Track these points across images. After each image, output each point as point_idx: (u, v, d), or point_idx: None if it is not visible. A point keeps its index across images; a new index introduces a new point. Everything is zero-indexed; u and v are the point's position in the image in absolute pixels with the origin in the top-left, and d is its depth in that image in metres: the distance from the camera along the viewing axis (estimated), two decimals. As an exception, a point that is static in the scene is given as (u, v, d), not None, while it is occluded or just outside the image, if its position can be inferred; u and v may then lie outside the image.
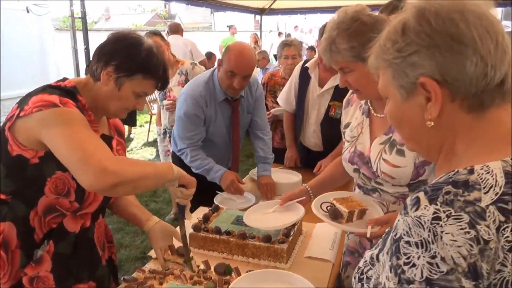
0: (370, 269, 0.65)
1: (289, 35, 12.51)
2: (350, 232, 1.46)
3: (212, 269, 1.29)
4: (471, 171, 0.57)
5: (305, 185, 1.52)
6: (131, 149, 5.90)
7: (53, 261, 1.16)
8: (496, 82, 0.58)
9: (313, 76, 2.41)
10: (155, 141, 5.76)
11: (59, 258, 1.16)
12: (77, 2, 4.10)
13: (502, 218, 0.52)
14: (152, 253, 1.50)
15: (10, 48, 5.42)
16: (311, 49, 9.04)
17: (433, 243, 0.53)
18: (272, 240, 1.41)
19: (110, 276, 1.35)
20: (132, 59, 1.16)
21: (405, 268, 0.55)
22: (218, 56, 5.57)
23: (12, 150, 1.08)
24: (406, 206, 0.59)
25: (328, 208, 1.31)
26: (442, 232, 0.53)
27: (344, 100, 1.51)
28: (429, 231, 0.53)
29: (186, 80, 3.03)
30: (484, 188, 0.54)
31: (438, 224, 0.53)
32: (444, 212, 0.53)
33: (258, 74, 6.31)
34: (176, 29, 4.82)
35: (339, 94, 2.20)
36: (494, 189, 0.54)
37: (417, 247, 0.55)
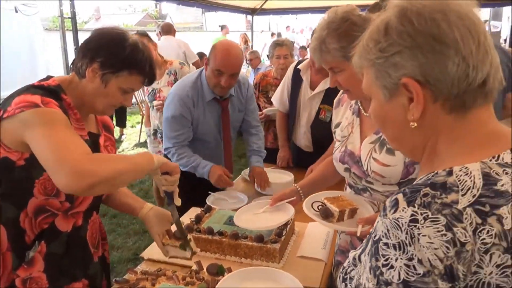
0: (353, 269, 0.66)
1: (279, 34, 12.54)
2: (341, 231, 1.47)
3: (205, 269, 1.29)
4: (450, 173, 0.57)
5: (295, 185, 1.52)
6: (123, 150, 5.87)
7: (46, 261, 1.15)
8: (478, 83, 0.58)
9: (304, 79, 2.42)
10: (146, 141, 5.73)
11: (52, 258, 1.16)
12: (67, 1, 4.06)
13: (479, 220, 0.52)
14: (144, 254, 1.50)
15: (-2, 49, 5.35)
16: (303, 48, 9.09)
17: (410, 245, 0.53)
18: (264, 240, 1.41)
19: (102, 273, 1.34)
20: (117, 55, 1.15)
21: (384, 269, 0.56)
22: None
23: None
24: (385, 208, 0.59)
25: (319, 207, 1.32)
26: (419, 234, 0.53)
27: (335, 100, 1.52)
28: (407, 233, 0.54)
29: (175, 80, 3.02)
30: (461, 190, 0.54)
31: (415, 226, 0.53)
32: (421, 214, 0.54)
33: (250, 74, 6.32)
34: (168, 30, 4.79)
35: (329, 97, 2.21)
36: (471, 191, 0.54)
37: (395, 249, 0.55)
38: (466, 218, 0.52)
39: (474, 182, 0.55)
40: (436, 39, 0.57)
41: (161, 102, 3.05)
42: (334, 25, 1.20)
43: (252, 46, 7.87)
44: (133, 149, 5.98)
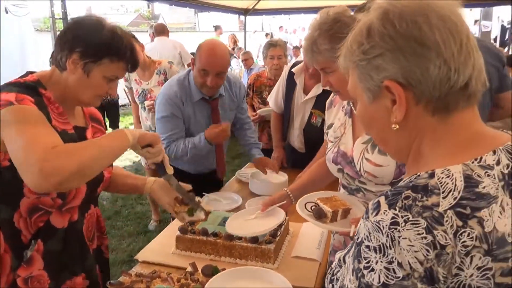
0: (339, 270, 0.66)
1: (271, 35, 12.57)
2: (335, 231, 1.48)
3: (200, 271, 1.29)
4: (432, 175, 0.57)
5: (285, 189, 1.53)
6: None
7: (44, 259, 1.15)
8: (460, 85, 0.58)
9: (298, 83, 2.42)
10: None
11: (50, 255, 1.16)
12: (58, 2, 4.02)
13: (460, 223, 0.52)
14: (138, 257, 1.49)
15: (-12, 50, 5.29)
16: (297, 48, 9.12)
17: (390, 248, 0.54)
18: (259, 241, 1.42)
19: (96, 266, 1.32)
20: (96, 44, 1.12)
21: (365, 272, 0.56)
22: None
23: None
24: (367, 210, 0.59)
25: (312, 208, 1.33)
26: (399, 237, 0.53)
27: (327, 101, 1.53)
28: (387, 236, 0.54)
29: (166, 79, 3.03)
30: (443, 192, 0.54)
31: (396, 229, 0.54)
32: (402, 217, 0.54)
33: (243, 75, 6.32)
34: (161, 30, 4.77)
35: (320, 102, 2.21)
36: (452, 194, 0.54)
37: (376, 252, 0.55)
38: (446, 221, 0.52)
39: (456, 185, 0.55)
40: (417, 41, 0.57)
41: (152, 102, 3.04)
42: (326, 26, 1.21)
43: (245, 46, 7.86)
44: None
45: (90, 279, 1.27)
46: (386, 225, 0.54)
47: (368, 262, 0.56)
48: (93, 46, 1.12)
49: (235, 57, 7.80)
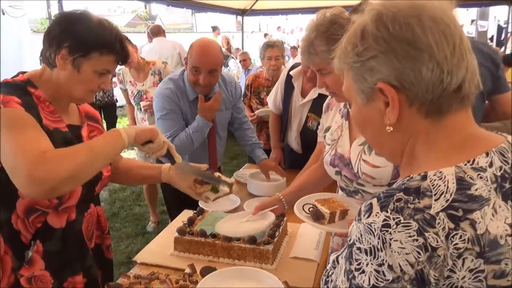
0: (333, 272, 0.66)
1: (266, 35, 12.59)
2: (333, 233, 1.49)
3: (198, 272, 1.29)
4: (424, 177, 0.57)
5: (278, 194, 1.53)
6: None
7: (45, 260, 1.15)
8: (453, 88, 0.58)
9: (296, 86, 2.43)
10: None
11: (50, 256, 1.16)
12: (55, 2, 4.01)
13: (452, 225, 0.52)
14: (137, 258, 1.49)
15: (-15, 52, 5.27)
16: (294, 48, 9.13)
17: (381, 251, 0.54)
18: (257, 242, 1.42)
19: (94, 264, 1.32)
20: (84, 37, 1.09)
21: (356, 274, 0.57)
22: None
23: None
24: (360, 212, 0.59)
25: (310, 209, 1.33)
26: (391, 239, 0.53)
27: (324, 105, 1.53)
28: (379, 238, 0.54)
29: (160, 80, 3.03)
30: (435, 195, 0.54)
31: (387, 231, 0.54)
32: (393, 219, 0.54)
33: (241, 75, 6.32)
34: (157, 31, 4.76)
35: (317, 106, 2.22)
36: (445, 196, 0.54)
37: (366, 254, 0.55)
38: (438, 223, 0.52)
39: (448, 187, 0.55)
40: (410, 44, 0.57)
41: (148, 102, 3.04)
42: (322, 27, 1.22)
43: (242, 47, 7.86)
44: (124, 151, 5.93)
45: (88, 278, 1.26)
46: (378, 227, 0.55)
47: (359, 264, 0.56)
48: (81, 40, 1.10)
49: (232, 57, 7.81)
